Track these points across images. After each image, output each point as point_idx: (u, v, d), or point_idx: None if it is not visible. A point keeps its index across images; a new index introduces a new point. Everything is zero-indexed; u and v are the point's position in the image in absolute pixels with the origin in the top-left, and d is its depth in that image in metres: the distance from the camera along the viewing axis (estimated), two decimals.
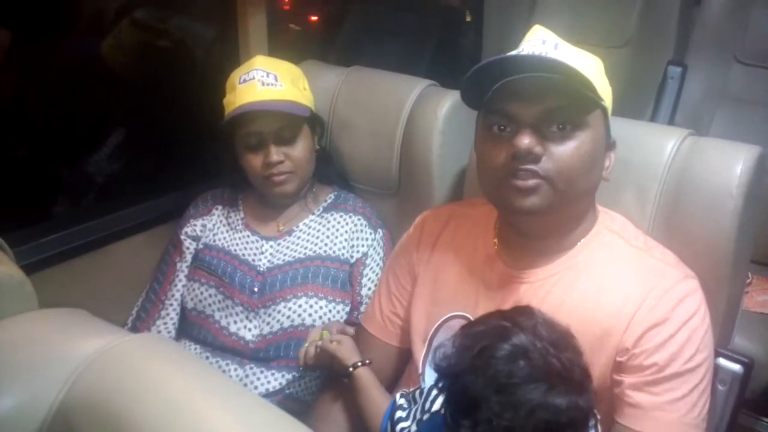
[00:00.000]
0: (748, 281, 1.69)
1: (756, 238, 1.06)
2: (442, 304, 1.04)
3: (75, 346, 0.63)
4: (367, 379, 1.07)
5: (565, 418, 0.72)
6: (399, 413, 0.98)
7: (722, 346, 1.01)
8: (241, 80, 1.27)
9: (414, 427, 0.94)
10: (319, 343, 1.12)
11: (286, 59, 1.36)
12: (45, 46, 1.67)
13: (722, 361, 1.01)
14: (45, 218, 1.46)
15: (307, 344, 1.15)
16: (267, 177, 1.27)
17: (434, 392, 0.95)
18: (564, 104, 0.87)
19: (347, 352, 1.10)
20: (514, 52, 0.92)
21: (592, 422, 0.82)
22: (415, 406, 0.98)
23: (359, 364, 1.08)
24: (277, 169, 1.26)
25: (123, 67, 1.85)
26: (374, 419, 1.03)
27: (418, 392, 1.00)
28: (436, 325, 1.03)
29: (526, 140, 0.86)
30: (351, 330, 1.18)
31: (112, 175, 1.70)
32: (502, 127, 0.90)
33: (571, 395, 0.73)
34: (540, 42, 0.92)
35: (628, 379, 0.88)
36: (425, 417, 0.92)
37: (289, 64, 1.35)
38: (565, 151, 0.87)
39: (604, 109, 0.92)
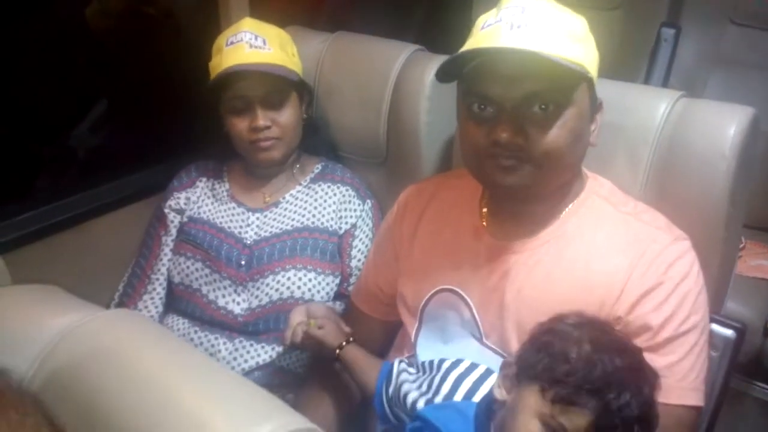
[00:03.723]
0: (741, 246, 1.68)
1: (749, 202, 1.04)
2: (430, 277, 1.02)
3: (45, 323, 0.61)
4: (354, 354, 1.07)
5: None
6: (404, 375, 0.98)
7: (715, 311, 1.00)
8: (229, 42, 1.24)
9: (422, 402, 0.93)
10: (305, 328, 1.10)
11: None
12: (20, 12, 1.61)
13: (715, 327, 0.99)
14: (25, 195, 1.43)
15: (293, 327, 1.12)
16: (253, 142, 1.24)
17: (448, 367, 0.94)
18: (545, 87, 0.83)
19: (332, 336, 1.09)
20: (490, 26, 0.86)
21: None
22: (423, 375, 0.97)
23: (344, 343, 1.08)
24: (264, 135, 1.23)
25: (107, 33, 1.80)
26: (368, 384, 1.03)
27: (421, 364, 0.99)
28: (425, 299, 1.02)
29: (506, 133, 0.83)
30: (333, 313, 1.15)
31: (95, 149, 1.66)
32: (482, 107, 0.86)
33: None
34: (519, 10, 0.84)
35: None
36: (437, 399, 0.92)
37: (278, 29, 1.32)
38: (549, 133, 0.84)
39: (589, 80, 0.88)
